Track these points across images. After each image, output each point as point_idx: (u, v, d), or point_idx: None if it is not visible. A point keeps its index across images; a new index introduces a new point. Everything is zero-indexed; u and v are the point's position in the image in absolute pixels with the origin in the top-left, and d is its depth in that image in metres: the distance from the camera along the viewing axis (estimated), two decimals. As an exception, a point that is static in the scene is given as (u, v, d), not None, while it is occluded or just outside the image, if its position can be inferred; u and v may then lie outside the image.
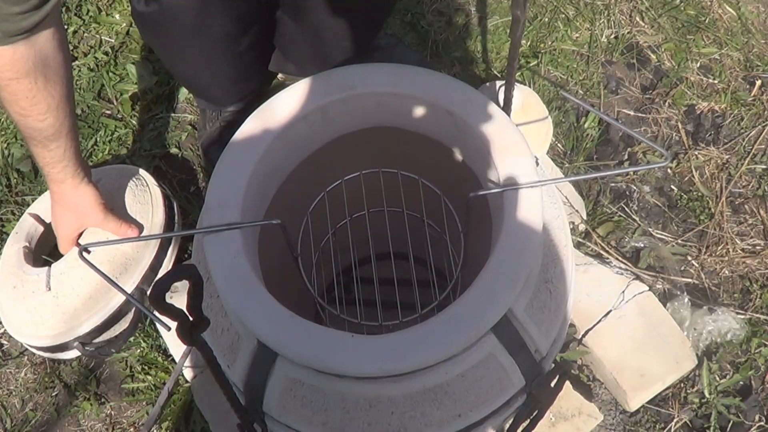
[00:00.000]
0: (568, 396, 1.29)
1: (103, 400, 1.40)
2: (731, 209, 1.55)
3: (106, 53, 1.78)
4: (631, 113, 1.68)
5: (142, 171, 1.40)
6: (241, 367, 0.83)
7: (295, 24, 1.39)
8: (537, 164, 0.87)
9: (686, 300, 1.40)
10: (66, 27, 1.84)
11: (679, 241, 1.51)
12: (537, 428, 0.99)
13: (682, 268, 1.48)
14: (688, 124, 1.67)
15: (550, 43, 1.76)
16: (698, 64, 1.74)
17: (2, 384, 1.43)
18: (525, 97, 1.34)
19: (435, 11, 1.81)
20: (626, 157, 1.61)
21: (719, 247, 1.50)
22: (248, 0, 1.31)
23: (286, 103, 0.91)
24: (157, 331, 1.42)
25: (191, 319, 0.58)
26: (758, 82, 1.71)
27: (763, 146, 1.63)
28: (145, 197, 1.34)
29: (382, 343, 0.75)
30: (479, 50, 1.75)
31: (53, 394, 1.41)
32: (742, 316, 1.42)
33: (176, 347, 1.35)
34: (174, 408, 1.34)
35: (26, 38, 0.92)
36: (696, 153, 1.62)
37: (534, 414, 0.92)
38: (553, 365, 0.89)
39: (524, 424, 0.95)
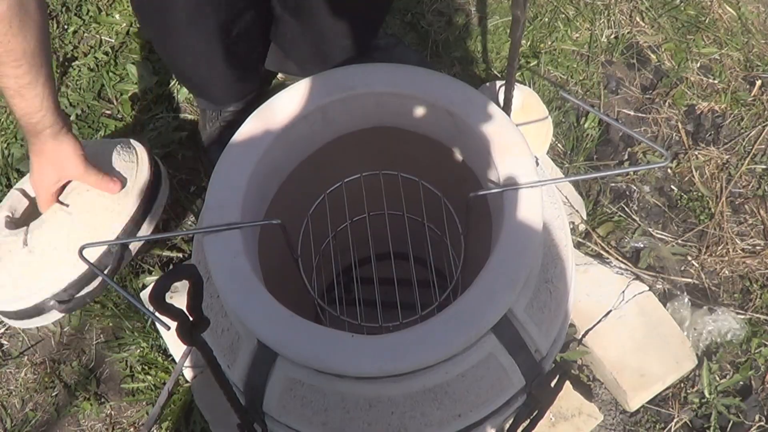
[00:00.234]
0: (568, 396, 1.29)
1: (103, 400, 1.40)
2: (731, 209, 1.55)
3: (106, 53, 1.78)
4: (631, 113, 1.68)
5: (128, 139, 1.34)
6: (241, 367, 0.83)
7: (296, 22, 1.39)
8: (537, 164, 0.87)
9: (686, 300, 1.40)
10: (66, 27, 1.84)
11: (679, 241, 1.51)
12: (537, 428, 0.99)
13: (682, 268, 1.48)
14: (688, 124, 1.67)
15: (550, 43, 1.76)
16: (698, 64, 1.74)
17: (2, 384, 1.43)
18: (525, 97, 1.34)
19: (435, 11, 1.81)
20: (626, 157, 1.61)
21: (719, 247, 1.50)
22: None
23: (286, 103, 0.91)
24: (157, 331, 1.42)
25: (191, 319, 0.58)
26: (758, 82, 1.71)
27: (763, 146, 1.63)
28: (131, 156, 1.27)
29: (382, 343, 0.75)
30: (479, 50, 1.75)
31: (53, 394, 1.41)
32: (742, 316, 1.42)
33: (176, 347, 1.35)
34: (174, 408, 1.34)
35: None
36: (696, 153, 1.62)
37: (534, 414, 0.92)
38: (553, 365, 0.89)
39: (524, 424, 0.95)
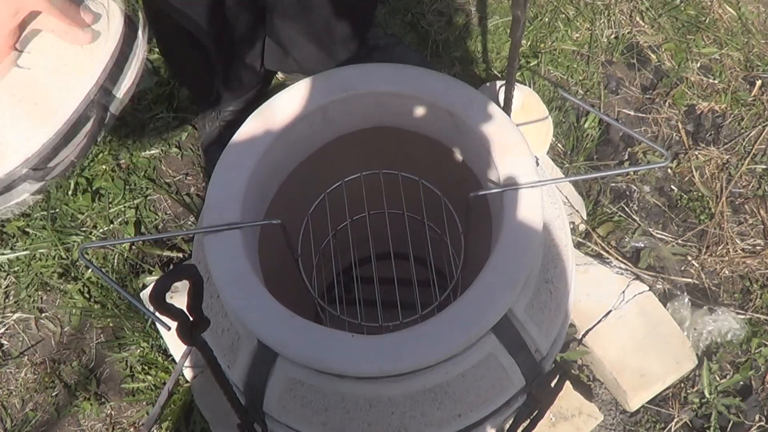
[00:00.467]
0: (568, 396, 1.29)
1: (103, 400, 1.40)
2: (731, 209, 1.55)
3: (106, 53, 1.78)
4: (631, 113, 1.68)
5: None
6: (241, 367, 0.83)
7: (293, 18, 1.39)
8: (537, 164, 0.87)
9: (686, 300, 1.40)
10: (66, 27, 1.83)
11: (679, 241, 1.51)
12: (537, 428, 0.99)
13: (682, 268, 1.48)
14: (688, 124, 1.67)
15: (550, 43, 1.76)
16: (698, 64, 1.74)
17: (2, 384, 1.43)
18: (525, 97, 1.34)
19: (435, 11, 1.81)
20: (626, 157, 1.61)
21: (719, 247, 1.50)
22: None
23: (286, 103, 0.91)
24: (157, 331, 1.42)
25: (191, 319, 0.58)
26: (758, 82, 1.71)
27: (763, 146, 1.63)
28: (100, 7, 1.10)
29: (382, 343, 0.75)
30: (479, 50, 1.75)
31: (53, 394, 1.41)
32: (742, 316, 1.42)
33: (176, 347, 1.35)
34: (174, 408, 1.34)
35: None
36: (696, 153, 1.62)
37: (534, 414, 0.92)
38: (553, 365, 0.89)
39: (524, 424, 0.95)
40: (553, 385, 0.87)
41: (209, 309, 0.87)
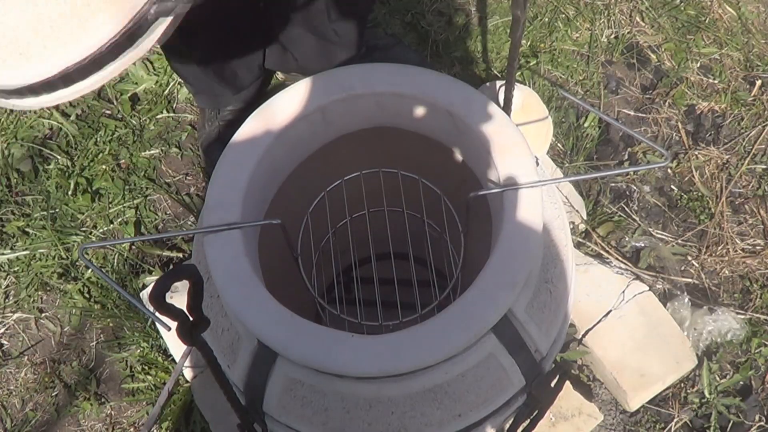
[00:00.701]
0: (568, 396, 1.29)
1: (103, 400, 1.40)
2: (731, 209, 1.55)
3: (106, 53, 1.78)
4: (631, 113, 1.68)
5: None
6: (241, 367, 0.83)
7: (293, 19, 1.39)
8: (537, 164, 0.87)
9: (686, 300, 1.40)
10: (66, 27, 1.84)
11: (679, 241, 1.51)
12: (537, 428, 0.99)
13: (682, 268, 1.48)
14: (688, 124, 1.67)
15: (550, 43, 1.76)
16: (698, 64, 1.74)
17: (2, 384, 1.43)
18: (525, 97, 1.34)
19: (435, 11, 1.81)
20: (626, 157, 1.61)
21: (719, 247, 1.50)
22: None
23: (286, 104, 0.91)
24: (157, 331, 1.42)
25: (191, 319, 0.58)
26: (758, 82, 1.71)
27: (763, 146, 1.63)
28: None
29: (382, 343, 0.75)
30: (479, 50, 1.75)
31: (53, 394, 1.41)
32: (742, 316, 1.42)
33: (176, 347, 1.35)
34: (174, 408, 1.34)
35: None
36: (696, 153, 1.62)
37: (534, 414, 0.92)
38: (553, 365, 0.89)
39: (524, 424, 0.95)
40: (553, 385, 0.87)
41: (209, 309, 0.87)
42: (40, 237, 1.54)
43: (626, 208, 1.54)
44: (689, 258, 1.49)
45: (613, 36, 1.78)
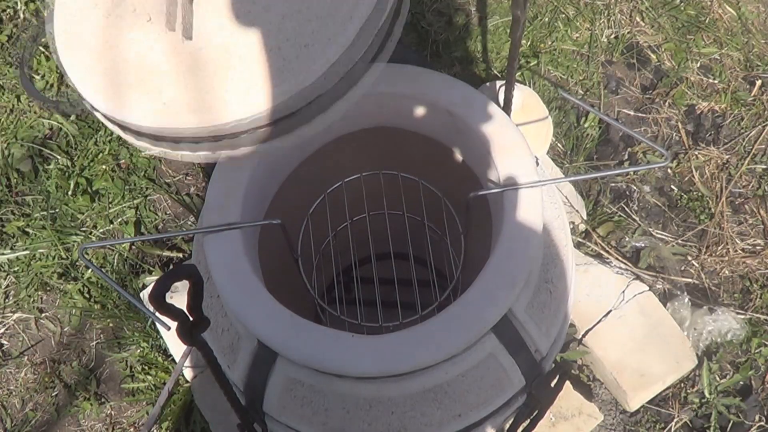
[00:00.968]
0: (568, 396, 1.29)
1: (103, 400, 1.40)
2: (731, 209, 1.55)
3: (106, 53, 1.78)
4: (631, 113, 1.68)
5: None
6: (241, 367, 0.83)
7: None
8: (537, 164, 0.87)
9: (686, 300, 1.40)
10: (66, 27, 1.84)
11: (679, 241, 1.51)
12: (537, 428, 0.99)
13: (682, 268, 1.48)
14: (688, 124, 1.67)
15: (550, 43, 1.76)
16: (698, 64, 1.74)
17: (2, 384, 1.43)
18: (525, 97, 1.34)
19: (435, 11, 1.81)
20: (626, 157, 1.61)
21: (719, 247, 1.50)
22: None
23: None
24: (157, 331, 1.42)
25: (191, 319, 0.58)
26: (758, 82, 1.71)
27: (763, 146, 1.63)
28: None
29: (382, 343, 0.75)
30: (479, 50, 1.75)
31: (53, 394, 1.41)
32: (742, 316, 1.42)
33: (176, 347, 1.35)
34: (174, 408, 1.34)
35: None
36: (696, 153, 1.62)
37: (534, 414, 0.92)
38: (553, 365, 0.89)
39: (524, 424, 0.95)
40: (553, 385, 0.87)
41: (209, 309, 0.87)
42: (40, 237, 1.54)
43: (626, 208, 1.54)
44: (689, 258, 1.49)
45: (613, 36, 1.78)
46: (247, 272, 0.79)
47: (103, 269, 1.50)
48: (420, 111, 0.92)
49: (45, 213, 1.57)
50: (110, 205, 1.58)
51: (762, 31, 1.81)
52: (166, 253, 1.51)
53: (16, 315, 1.49)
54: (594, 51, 1.75)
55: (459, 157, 0.96)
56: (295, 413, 0.80)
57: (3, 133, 1.69)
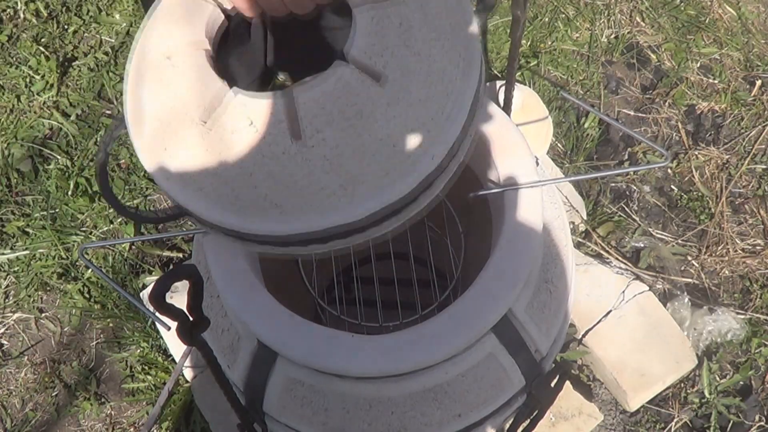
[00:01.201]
0: (569, 396, 1.29)
1: (103, 400, 1.40)
2: (731, 209, 1.55)
3: (106, 53, 1.78)
4: (631, 113, 1.68)
5: None
6: (241, 367, 0.83)
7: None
8: (537, 164, 0.87)
9: (686, 300, 1.40)
10: (66, 27, 1.84)
11: (679, 241, 1.51)
12: (537, 428, 0.99)
13: (682, 268, 1.48)
14: (688, 124, 1.67)
15: (550, 43, 1.76)
16: (698, 64, 1.74)
17: (2, 384, 1.43)
18: (525, 97, 1.34)
19: (435, 11, 1.81)
20: (626, 157, 1.61)
21: (719, 247, 1.50)
22: None
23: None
24: (157, 331, 1.42)
25: (191, 319, 0.58)
26: (758, 82, 1.71)
27: (763, 146, 1.63)
28: None
29: (382, 343, 0.75)
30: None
31: (53, 394, 1.41)
32: (742, 316, 1.42)
33: (176, 347, 1.35)
34: (174, 408, 1.34)
35: None
36: (696, 153, 1.62)
37: (534, 414, 0.92)
38: (553, 365, 0.89)
39: (524, 424, 0.95)
40: (553, 385, 0.87)
41: (209, 309, 0.87)
42: (40, 237, 1.54)
43: (626, 208, 1.54)
44: (689, 258, 1.49)
45: (613, 36, 1.78)
46: (247, 272, 0.79)
47: (103, 269, 1.50)
48: (420, 111, 0.92)
49: (45, 213, 1.57)
50: (110, 205, 1.57)
51: (762, 31, 1.81)
52: (166, 253, 1.51)
53: (16, 315, 1.49)
54: (594, 51, 1.75)
55: (459, 157, 0.96)
56: (295, 413, 0.80)
57: (3, 133, 1.69)
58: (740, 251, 1.50)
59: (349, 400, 0.79)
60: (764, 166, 1.60)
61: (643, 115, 1.68)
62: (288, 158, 0.57)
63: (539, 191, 0.83)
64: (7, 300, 1.51)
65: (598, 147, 1.63)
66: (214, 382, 0.74)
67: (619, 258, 1.46)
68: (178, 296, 1.31)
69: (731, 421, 1.33)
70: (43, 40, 1.81)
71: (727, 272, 1.48)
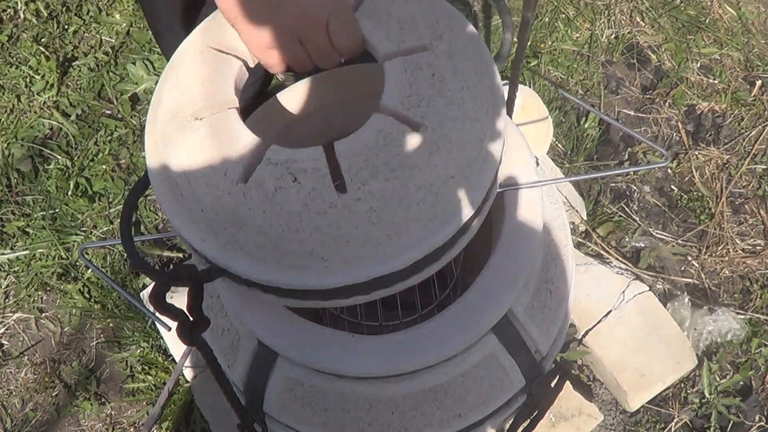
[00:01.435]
0: (569, 396, 1.29)
1: (103, 400, 1.40)
2: (731, 209, 1.55)
3: (106, 53, 1.78)
4: (631, 113, 1.68)
5: None
6: (241, 367, 0.83)
7: None
8: (537, 164, 0.87)
9: (686, 300, 1.40)
10: (66, 27, 1.84)
11: (680, 241, 1.51)
12: (537, 428, 0.99)
13: (683, 268, 1.48)
14: (688, 124, 1.67)
15: (550, 43, 1.76)
16: (698, 64, 1.74)
17: (2, 384, 1.43)
18: (525, 97, 1.34)
19: (435, 11, 1.81)
20: (626, 157, 1.61)
21: (719, 247, 1.50)
22: None
23: (286, 104, 0.91)
24: (157, 331, 1.42)
25: (191, 319, 0.58)
26: (758, 82, 1.71)
27: (763, 146, 1.63)
28: None
29: (382, 343, 0.75)
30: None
31: (53, 394, 1.41)
32: (743, 316, 1.42)
33: (176, 347, 1.35)
34: (174, 408, 1.34)
35: None
36: (696, 153, 1.62)
37: (534, 414, 0.92)
38: (553, 365, 0.89)
39: (524, 424, 0.95)
40: (553, 385, 0.87)
41: (209, 309, 0.87)
42: (40, 237, 1.54)
43: (626, 208, 1.54)
44: (689, 258, 1.49)
45: (613, 36, 1.78)
46: (247, 272, 0.79)
47: (103, 269, 1.50)
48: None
49: (45, 213, 1.57)
50: (110, 206, 1.58)
51: (762, 31, 1.81)
52: (166, 253, 1.51)
53: (16, 315, 1.49)
54: (594, 51, 1.75)
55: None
56: (295, 413, 0.80)
57: (3, 133, 1.69)
58: (740, 251, 1.50)
59: (349, 400, 0.79)
60: (764, 166, 1.60)
61: (643, 115, 1.68)
62: (336, 212, 0.58)
63: (539, 191, 0.83)
64: (7, 300, 1.51)
65: (598, 147, 1.63)
66: (214, 382, 0.74)
67: (619, 258, 1.46)
68: (179, 296, 1.31)
69: (731, 421, 1.33)
70: (43, 40, 1.81)
71: (727, 272, 1.48)
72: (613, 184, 1.57)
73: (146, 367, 1.40)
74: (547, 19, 1.80)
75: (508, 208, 0.81)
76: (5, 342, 1.47)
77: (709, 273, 1.48)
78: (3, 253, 1.54)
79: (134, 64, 1.74)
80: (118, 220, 1.56)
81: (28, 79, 1.75)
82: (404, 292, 1.01)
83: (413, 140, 0.59)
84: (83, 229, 1.56)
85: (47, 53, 1.78)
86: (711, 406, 1.34)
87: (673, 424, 1.33)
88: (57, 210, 1.58)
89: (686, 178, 1.59)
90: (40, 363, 1.44)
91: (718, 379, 1.37)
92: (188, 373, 1.33)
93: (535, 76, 1.70)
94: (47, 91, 1.73)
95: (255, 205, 0.59)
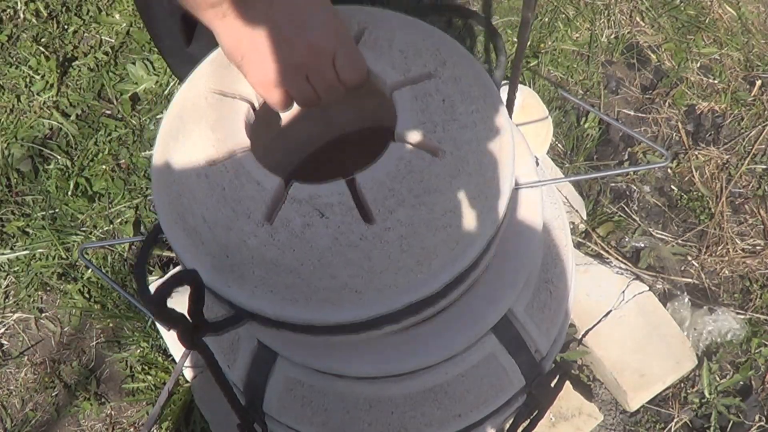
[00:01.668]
0: (568, 396, 1.29)
1: (103, 400, 1.40)
2: (731, 209, 1.55)
3: (106, 53, 1.78)
4: (631, 113, 1.68)
5: None
6: (241, 367, 0.83)
7: None
8: (537, 164, 0.87)
9: (686, 300, 1.40)
10: (66, 27, 1.84)
11: (679, 241, 1.51)
12: (537, 428, 0.99)
13: (682, 268, 1.48)
14: (688, 124, 1.67)
15: (550, 43, 1.76)
16: (698, 64, 1.74)
17: (2, 384, 1.43)
18: (525, 97, 1.34)
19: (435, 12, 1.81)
20: (626, 157, 1.61)
21: (719, 247, 1.50)
22: None
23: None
24: (157, 331, 1.42)
25: (192, 323, 0.58)
26: (758, 82, 1.71)
27: (763, 146, 1.63)
28: None
29: (382, 343, 0.75)
30: (480, 51, 1.75)
31: (53, 394, 1.41)
32: (742, 316, 1.42)
33: (176, 347, 1.35)
34: (174, 408, 1.34)
35: None
36: (696, 153, 1.62)
37: (534, 414, 0.92)
38: (553, 365, 0.89)
39: (524, 424, 0.95)
40: (553, 385, 0.87)
41: (209, 309, 0.87)
42: (40, 237, 1.54)
43: (626, 208, 1.54)
44: (689, 258, 1.49)
45: (613, 36, 1.78)
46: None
47: (102, 269, 1.50)
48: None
49: (45, 213, 1.57)
50: (110, 205, 1.58)
51: (762, 31, 1.81)
52: (166, 253, 1.51)
53: (16, 315, 1.49)
54: (594, 51, 1.75)
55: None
56: (295, 413, 0.80)
57: (3, 133, 1.69)
58: (740, 251, 1.50)
59: (349, 400, 0.79)
60: (764, 166, 1.60)
61: (643, 115, 1.68)
62: (366, 243, 0.58)
63: (539, 191, 0.83)
64: (7, 300, 1.51)
65: (598, 147, 1.63)
66: (214, 382, 0.74)
67: (619, 258, 1.46)
68: (179, 297, 1.31)
69: (731, 421, 1.33)
70: (43, 40, 1.81)
71: (727, 272, 1.48)
72: (613, 184, 1.57)
73: (146, 367, 1.40)
74: (547, 19, 1.80)
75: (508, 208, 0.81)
76: (5, 342, 1.47)
77: (709, 273, 1.48)
78: (3, 253, 1.54)
79: (134, 64, 1.74)
80: (118, 220, 1.56)
81: (28, 79, 1.75)
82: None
83: (434, 166, 0.60)
84: (83, 229, 1.56)
85: (47, 53, 1.78)
86: (711, 406, 1.34)
87: (673, 424, 1.33)
88: (57, 210, 1.58)
89: (686, 178, 1.59)
90: (40, 363, 1.44)
91: (718, 379, 1.37)
92: (188, 373, 1.33)
93: (535, 76, 1.70)
94: (47, 91, 1.73)
95: (283, 244, 0.59)
